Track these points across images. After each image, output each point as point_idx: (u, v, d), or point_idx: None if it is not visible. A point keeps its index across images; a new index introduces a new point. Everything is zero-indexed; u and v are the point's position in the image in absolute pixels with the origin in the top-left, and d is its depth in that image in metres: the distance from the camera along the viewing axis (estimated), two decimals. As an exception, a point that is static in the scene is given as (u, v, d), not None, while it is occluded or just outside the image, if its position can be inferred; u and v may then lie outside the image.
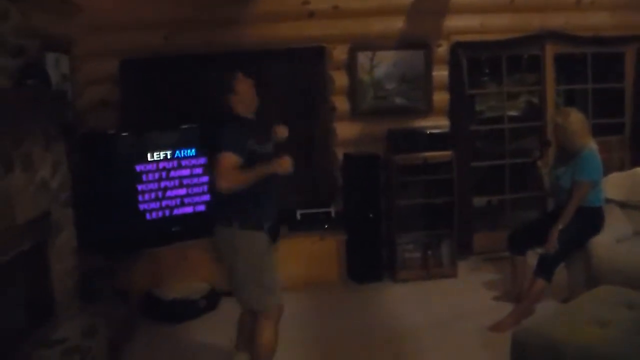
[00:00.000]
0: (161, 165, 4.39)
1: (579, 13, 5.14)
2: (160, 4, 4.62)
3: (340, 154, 4.99)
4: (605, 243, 3.83)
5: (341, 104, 5.00)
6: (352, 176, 4.85)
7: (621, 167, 5.01)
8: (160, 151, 4.37)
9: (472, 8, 5.01)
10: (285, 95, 4.79)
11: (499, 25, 5.03)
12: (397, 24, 4.94)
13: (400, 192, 4.73)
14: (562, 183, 3.90)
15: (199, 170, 4.52)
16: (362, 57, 4.93)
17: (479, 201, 5.60)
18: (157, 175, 4.38)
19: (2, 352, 2.80)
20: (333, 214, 4.85)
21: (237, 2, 4.72)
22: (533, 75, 5.61)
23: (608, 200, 4.03)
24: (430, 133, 4.80)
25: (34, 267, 3.20)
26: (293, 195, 4.62)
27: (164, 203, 4.44)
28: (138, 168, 4.31)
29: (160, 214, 4.43)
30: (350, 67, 4.94)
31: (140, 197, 4.34)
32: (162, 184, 4.41)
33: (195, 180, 4.52)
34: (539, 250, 3.90)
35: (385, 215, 4.85)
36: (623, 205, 4.18)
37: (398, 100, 5.03)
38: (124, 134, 4.42)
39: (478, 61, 5.70)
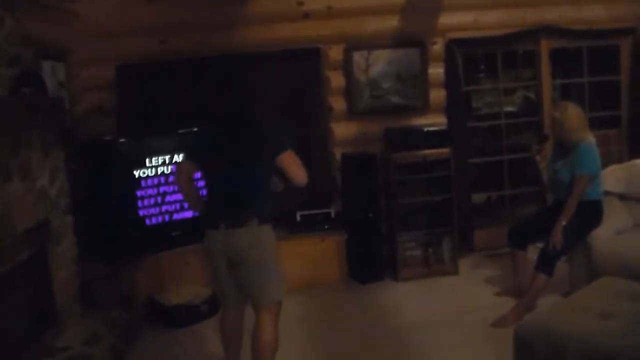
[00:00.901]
0: (160, 170, 4.39)
1: (573, 7, 5.15)
2: (155, 9, 4.61)
3: (338, 154, 4.99)
4: (606, 236, 3.85)
5: (338, 104, 5.00)
6: (351, 176, 4.85)
7: (619, 160, 5.01)
8: (158, 156, 4.37)
9: (466, 4, 5.01)
10: (281, 97, 4.78)
11: (493, 21, 5.04)
12: (391, 22, 4.95)
13: (399, 190, 4.73)
14: (560, 177, 3.90)
15: (197, 175, 4.50)
16: (358, 57, 4.93)
17: (478, 198, 5.60)
18: (155, 181, 4.39)
19: (6, 362, 2.80)
20: (333, 215, 4.85)
21: (231, 5, 4.72)
22: (529, 70, 5.61)
23: (607, 193, 4.04)
24: (428, 131, 4.80)
25: (35, 275, 3.19)
26: (292, 196, 4.60)
27: (163, 208, 4.43)
28: (136, 174, 4.31)
29: (160, 219, 4.43)
30: (346, 67, 4.94)
31: (139, 203, 4.34)
32: (161, 189, 4.41)
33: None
34: (539, 245, 3.91)
35: (385, 214, 4.85)
36: (622, 197, 4.20)
37: (394, 99, 5.03)
38: (121, 139, 4.42)
39: (473, 58, 5.70)
